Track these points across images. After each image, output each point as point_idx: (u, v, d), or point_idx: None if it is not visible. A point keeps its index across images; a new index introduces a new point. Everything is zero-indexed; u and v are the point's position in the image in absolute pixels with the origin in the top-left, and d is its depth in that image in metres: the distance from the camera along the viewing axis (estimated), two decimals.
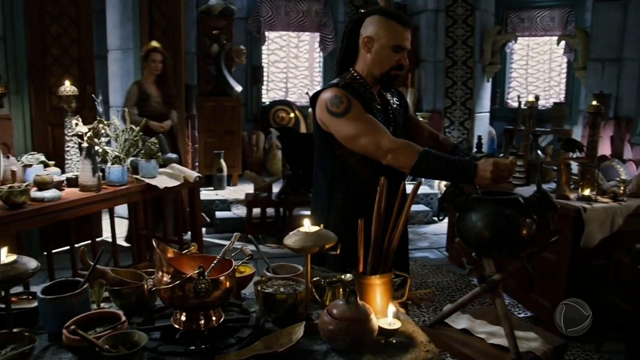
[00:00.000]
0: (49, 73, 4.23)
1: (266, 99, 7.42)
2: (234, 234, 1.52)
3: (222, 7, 5.75)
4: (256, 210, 5.07)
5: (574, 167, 3.43)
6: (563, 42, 6.36)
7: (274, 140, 5.08)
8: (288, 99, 7.44)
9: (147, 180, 3.08)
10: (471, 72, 5.84)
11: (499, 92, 7.21)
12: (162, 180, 3.14)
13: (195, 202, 3.52)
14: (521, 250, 1.84)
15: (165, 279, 1.33)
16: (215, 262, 1.45)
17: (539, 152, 3.96)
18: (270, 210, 5.08)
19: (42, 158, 2.97)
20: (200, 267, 1.30)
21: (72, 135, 2.98)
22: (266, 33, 7.14)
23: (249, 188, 5.40)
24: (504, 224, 1.77)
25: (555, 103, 6.74)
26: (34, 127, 4.19)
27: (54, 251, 3.04)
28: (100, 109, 3.12)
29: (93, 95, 3.19)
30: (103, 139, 2.98)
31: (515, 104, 7.11)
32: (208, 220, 5.31)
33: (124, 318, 1.34)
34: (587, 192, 3.09)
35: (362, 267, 1.40)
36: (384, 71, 1.93)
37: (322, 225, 1.47)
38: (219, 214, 5.37)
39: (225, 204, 5.50)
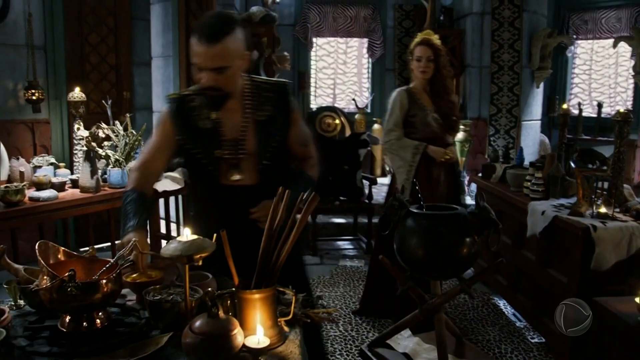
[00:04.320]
0: (87, 80, 4.49)
1: (314, 105, 7.44)
2: (132, 239, 1.52)
3: (262, 14, 5.82)
4: None
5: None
6: (629, 45, 5.82)
7: None
8: (336, 105, 7.40)
9: None
10: (518, 77, 5.50)
11: (558, 99, 6.74)
12: (163, 184, 3.23)
13: None
14: (460, 271, 1.70)
15: (45, 281, 1.35)
16: (107, 265, 1.46)
17: (572, 163, 3.62)
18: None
19: (52, 160, 3.15)
20: (71, 270, 1.31)
21: (79, 140, 3.14)
22: (314, 39, 7.16)
23: None
24: (437, 242, 1.64)
25: (618, 111, 6.20)
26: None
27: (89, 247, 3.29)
28: (109, 113, 3.25)
29: (103, 101, 3.34)
30: (106, 143, 3.10)
31: (576, 112, 6.64)
32: None
33: (6, 315, 1.37)
34: (603, 209, 2.79)
35: (237, 281, 1.34)
36: (201, 90, 1.75)
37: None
38: None
39: None
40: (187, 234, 1.34)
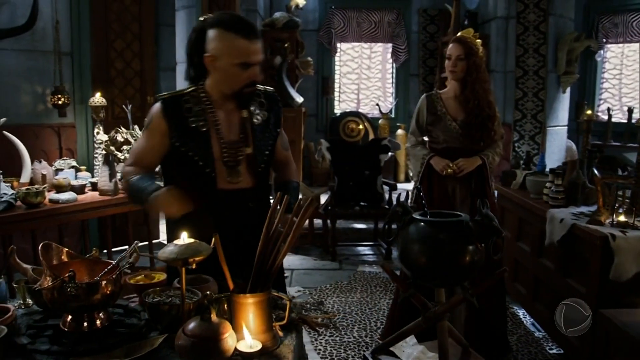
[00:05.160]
0: (112, 85, 4.59)
1: (338, 110, 7.45)
2: (135, 241, 1.54)
3: (286, 20, 5.87)
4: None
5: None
6: None
7: (324, 152, 5.07)
8: (360, 110, 7.40)
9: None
10: (543, 82, 5.40)
11: (587, 105, 6.58)
12: None
13: None
14: (463, 279, 1.67)
15: (47, 281, 1.38)
16: (108, 267, 1.49)
17: (595, 170, 3.53)
18: (319, 222, 5.07)
19: (73, 163, 3.23)
20: (70, 271, 1.34)
21: (99, 144, 3.21)
22: (338, 44, 7.17)
23: None
24: (438, 249, 1.62)
25: None
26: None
27: (114, 249, 3.43)
28: (129, 117, 3.32)
29: (124, 106, 3.41)
30: (125, 147, 3.16)
31: (605, 117, 6.47)
32: None
33: (11, 313, 1.41)
34: (623, 217, 2.71)
35: (232, 285, 1.35)
36: (235, 90, 1.75)
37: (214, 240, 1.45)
38: None
39: None
40: (184, 237, 1.35)
